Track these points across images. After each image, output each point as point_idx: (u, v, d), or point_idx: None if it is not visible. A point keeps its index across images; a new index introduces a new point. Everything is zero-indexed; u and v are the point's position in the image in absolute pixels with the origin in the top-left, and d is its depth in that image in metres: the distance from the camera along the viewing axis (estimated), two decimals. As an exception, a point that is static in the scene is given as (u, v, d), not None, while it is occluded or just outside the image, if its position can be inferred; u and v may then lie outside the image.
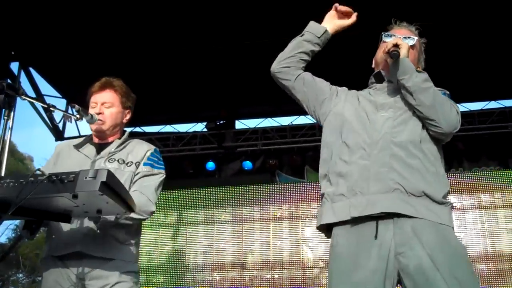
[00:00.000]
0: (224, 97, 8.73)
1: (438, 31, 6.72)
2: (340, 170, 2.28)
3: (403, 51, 2.32)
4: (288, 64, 2.53)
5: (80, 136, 4.75)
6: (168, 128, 9.86)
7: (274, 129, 9.14)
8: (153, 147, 3.10)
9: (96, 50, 7.45)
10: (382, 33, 2.59)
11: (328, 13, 2.61)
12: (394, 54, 2.37)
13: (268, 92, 8.39)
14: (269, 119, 9.52)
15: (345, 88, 2.62)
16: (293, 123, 9.13)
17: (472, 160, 8.42)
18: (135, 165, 2.92)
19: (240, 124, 9.67)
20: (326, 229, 2.34)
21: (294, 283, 7.74)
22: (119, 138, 3.04)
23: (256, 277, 7.89)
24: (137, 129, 9.88)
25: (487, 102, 8.98)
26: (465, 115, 8.49)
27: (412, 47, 2.48)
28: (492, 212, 7.71)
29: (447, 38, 7.02)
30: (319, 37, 2.54)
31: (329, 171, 2.35)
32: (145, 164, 2.95)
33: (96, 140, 3.05)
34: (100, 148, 3.00)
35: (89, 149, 3.00)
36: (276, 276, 7.86)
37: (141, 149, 3.02)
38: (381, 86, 2.52)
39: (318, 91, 2.56)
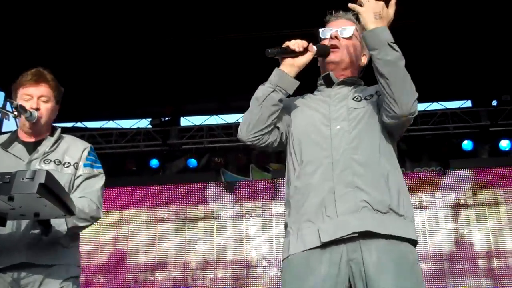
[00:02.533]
0: (169, 93, 8.60)
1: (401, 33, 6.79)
2: (302, 195, 2.20)
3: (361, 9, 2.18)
4: (264, 132, 2.29)
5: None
6: (111, 124, 9.67)
7: (220, 127, 9.08)
8: (88, 145, 2.96)
9: (37, 41, 7.20)
10: (319, 29, 2.49)
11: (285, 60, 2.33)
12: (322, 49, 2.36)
13: (214, 88, 8.38)
14: (215, 116, 9.46)
15: (294, 99, 2.50)
16: (239, 121, 9.06)
17: (414, 160, 8.59)
18: (74, 166, 2.80)
19: (185, 121, 9.58)
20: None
21: (237, 283, 7.70)
22: (51, 135, 2.87)
23: (199, 276, 7.81)
24: (79, 125, 9.64)
25: (429, 103, 9.16)
26: (408, 116, 8.64)
27: (349, 38, 2.42)
28: (432, 212, 7.86)
29: (394, 38, 7.10)
30: (290, 94, 2.35)
31: (290, 196, 2.27)
32: (85, 165, 2.84)
33: (24, 137, 2.85)
34: (30, 147, 2.81)
35: (19, 149, 2.80)
36: (220, 275, 7.79)
37: (76, 148, 2.89)
38: (331, 91, 2.42)
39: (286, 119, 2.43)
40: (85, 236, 8.03)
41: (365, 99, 2.34)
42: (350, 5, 2.19)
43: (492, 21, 7.06)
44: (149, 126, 9.30)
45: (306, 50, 2.31)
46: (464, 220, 7.76)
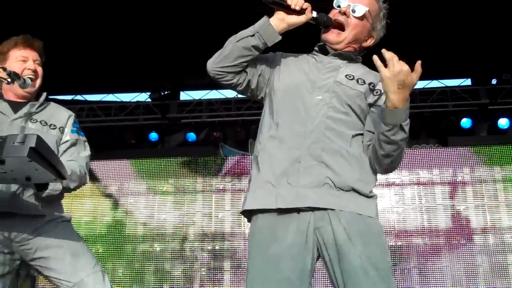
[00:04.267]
0: (169, 67, 8.57)
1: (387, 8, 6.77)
2: (269, 156, 2.19)
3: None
4: (228, 70, 2.24)
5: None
6: (110, 97, 9.66)
7: (219, 101, 9.08)
8: (72, 113, 3.02)
9: (37, 13, 7.15)
10: None
11: (278, 12, 2.24)
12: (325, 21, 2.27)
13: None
14: (214, 91, 9.45)
15: (288, 55, 2.44)
16: (239, 96, 9.07)
17: (412, 137, 8.60)
18: (59, 130, 2.87)
19: (185, 96, 9.57)
20: (250, 214, 2.24)
21: (234, 255, 7.76)
22: (36, 100, 2.91)
23: (197, 248, 7.88)
24: (78, 97, 9.62)
25: (429, 81, 9.16)
26: (407, 93, 8.65)
27: (360, 18, 2.31)
28: (430, 188, 7.91)
29: (394, 15, 7.07)
30: (268, 45, 2.25)
31: (258, 153, 2.25)
32: (72, 131, 2.92)
33: (10, 97, 2.87)
34: (14, 106, 2.84)
35: (4, 106, 2.82)
36: (217, 247, 7.86)
37: (61, 114, 2.95)
38: (325, 58, 2.35)
39: (264, 70, 2.37)
40: (84, 207, 8.09)
41: (357, 81, 2.27)
42: (376, 59, 2.02)
43: (494, 1, 7.02)
44: (149, 99, 9.30)
45: (303, 11, 2.21)
46: (461, 197, 7.81)
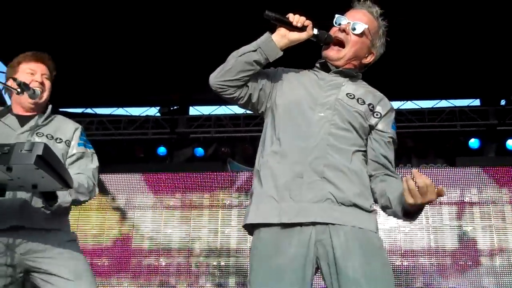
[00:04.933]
0: (179, 82, 8.64)
1: (395, 29, 6.81)
2: (272, 171, 2.22)
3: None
4: (230, 84, 2.28)
5: None
6: (120, 111, 9.73)
7: (227, 117, 9.13)
8: (79, 126, 3.04)
9: (49, 27, 7.24)
10: (336, 14, 2.43)
11: (280, 28, 2.29)
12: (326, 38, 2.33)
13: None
14: (223, 106, 9.50)
15: (289, 70, 2.49)
16: (247, 112, 9.08)
17: (420, 156, 8.61)
18: (65, 143, 2.88)
19: (194, 111, 9.64)
20: (252, 228, 2.27)
21: (240, 271, 7.75)
22: (43, 113, 2.92)
23: (203, 263, 7.88)
24: (89, 111, 9.70)
25: (438, 100, 9.17)
26: (416, 113, 8.69)
27: (360, 35, 2.36)
28: (437, 208, 7.88)
29: (403, 36, 7.11)
30: (270, 61, 2.30)
31: (260, 168, 2.28)
32: (79, 144, 2.93)
33: (18, 111, 2.90)
34: (22, 120, 2.87)
35: (11, 120, 2.85)
36: (223, 263, 7.85)
37: (68, 127, 2.97)
38: (327, 76, 2.40)
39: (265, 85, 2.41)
40: (92, 219, 8.12)
41: (357, 101, 2.32)
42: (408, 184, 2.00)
43: (504, 22, 7.04)
44: (158, 114, 9.36)
45: (305, 28, 2.26)
46: (468, 217, 7.78)
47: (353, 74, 2.41)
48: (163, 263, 7.92)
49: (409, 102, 9.15)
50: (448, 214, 7.83)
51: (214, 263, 7.85)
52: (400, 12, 6.71)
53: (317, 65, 2.47)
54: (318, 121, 2.24)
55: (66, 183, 2.31)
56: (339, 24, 2.39)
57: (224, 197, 8.28)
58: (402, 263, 7.45)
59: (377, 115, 2.32)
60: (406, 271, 7.46)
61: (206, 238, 8.06)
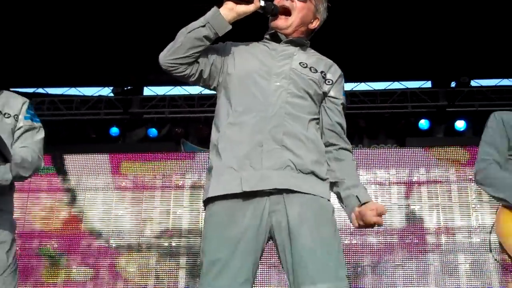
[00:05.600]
0: (133, 62, 8.52)
1: (347, 10, 6.85)
2: (231, 142, 2.25)
3: None
4: (181, 62, 2.29)
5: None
6: (73, 91, 9.58)
7: (182, 97, 9.07)
8: (27, 100, 3.00)
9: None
10: None
11: (227, 2, 2.34)
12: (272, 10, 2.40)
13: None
14: (178, 87, 9.44)
15: (238, 44, 2.52)
16: (203, 93, 9.06)
17: (371, 137, 8.73)
18: (14, 118, 2.85)
19: (148, 91, 9.54)
20: (210, 201, 2.29)
21: (191, 251, 7.77)
22: None
23: (154, 244, 7.86)
24: (40, 90, 9.52)
25: (390, 82, 9.27)
26: (368, 94, 8.79)
27: (303, 1, 2.44)
28: (386, 188, 8.01)
29: (356, 18, 7.16)
30: (219, 35, 2.34)
31: (218, 141, 2.30)
32: (25, 118, 2.89)
33: None
34: None
35: None
36: (174, 244, 7.86)
37: (16, 101, 2.93)
38: (278, 46, 2.45)
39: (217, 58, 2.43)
40: (41, 200, 8.01)
41: (310, 69, 2.39)
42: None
43: (454, 5, 7.13)
44: (111, 94, 9.24)
45: (251, 0, 2.32)
46: (416, 196, 7.93)
47: (304, 43, 2.50)
48: (114, 245, 7.88)
49: (362, 83, 9.23)
50: (397, 194, 7.96)
51: (165, 244, 7.85)
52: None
53: (267, 36, 2.53)
54: (274, 91, 2.29)
55: (4, 157, 2.27)
56: None
57: (176, 178, 8.25)
58: (351, 242, 7.56)
59: (329, 82, 2.41)
60: (355, 249, 7.58)
61: (157, 219, 8.04)
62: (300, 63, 2.39)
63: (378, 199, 7.90)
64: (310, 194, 2.19)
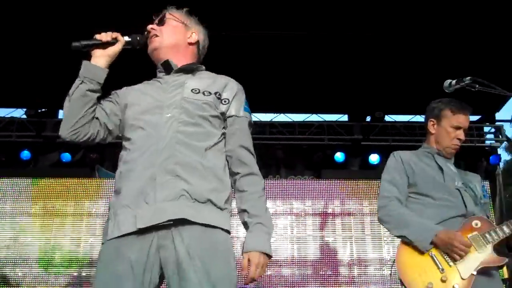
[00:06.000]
0: (48, 84, 8.23)
1: (268, 42, 6.96)
2: (125, 180, 2.20)
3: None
4: (80, 125, 2.30)
5: None
6: (-15, 112, 9.14)
7: (98, 122, 8.82)
8: None
9: None
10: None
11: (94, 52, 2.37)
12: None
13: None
14: (95, 111, 9.19)
15: (132, 87, 2.52)
16: (120, 117, 8.85)
17: (289, 168, 8.81)
18: None
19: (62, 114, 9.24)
20: None
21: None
22: None
23: (63, 274, 7.55)
24: None
25: (309, 114, 9.44)
26: (287, 125, 8.90)
27: (163, 23, 2.49)
28: (302, 219, 8.10)
29: (277, 50, 7.27)
30: (101, 83, 2.35)
31: (116, 181, 2.28)
32: None
33: None
34: None
35: None
36: (84, 274, 7.58)
37: None
38: (169, 78, 2.43)
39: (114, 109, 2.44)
40: None
41: (203, 94, 2.36)
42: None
43: (372, 45, 7.38)
44: (24, 116, 8.89)
45: (116, 40, 2.37)
46: (331, 228, 8.06)
47: (193, 68, 2.47)
48: (19, 274, 7.50)
49: (281, 114, 9.35)
50: (312, 225, 8.07)
51: (75, 274, 7.56)
52: (274, 27, 6.86)
53: (159, 69, 2.50)
54: (165, 123, 2.25)
55: None
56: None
57: (89, 205, 8.00)
58: (265, 273, 7.55)
59: (225, 101, 2.37)
60: (269, 280, 7.59)
61: (68, 247, 7.73)
62: (192, 89, 2.36)
63: (294, 230, 7.97)
64: (205, 225, 2.12)
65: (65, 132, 2.33)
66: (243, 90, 2.47)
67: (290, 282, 7.62)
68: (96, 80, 2.31)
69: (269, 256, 2.23)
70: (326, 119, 9.36)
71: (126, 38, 2.40)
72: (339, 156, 8.66)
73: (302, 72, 7.92)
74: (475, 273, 2.82)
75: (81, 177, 8.25)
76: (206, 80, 2.44)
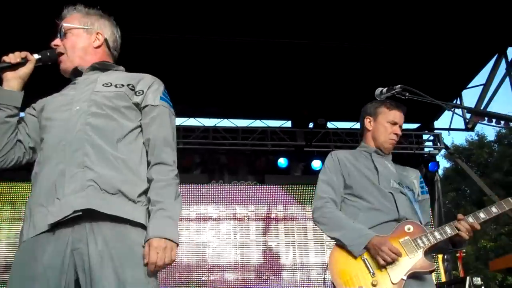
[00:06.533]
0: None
1: (213, 47, 6.95)
2: (38, 179, 2.13)
3: None
4: (4, 152, 2.23)
5: None
6: None
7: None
8: None
9: None
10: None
11: (5, 75, 2.27)
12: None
13: (53, 86, 7.81)
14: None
15: (48, 97, 2.41)
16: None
17: (232, 173, 8.79)
18: None
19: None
20: None
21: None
22: None
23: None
24: None
25: (253, 120, 9.47)
26: (230, 130, 8.89)
27: (66, 37, 2.38)
28: (245, 224, 8.09)
29: (222, 55, 7.27)
30: (18, 106, 2.26)
31: (32, 181, 2.19)
32: None
33: None
34: None
35: None
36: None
37: None
38: (81, 78, 2.35)
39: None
40: None
41: (115, 86, 2.28)
42: None
43: (317, 54, 7.49)
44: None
45: (25, 60, 2.28)
46: (274, 233, 8.08)
47: (107, 66, 2.41)
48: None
49: (225, 120, 9.34)
50: (255, 230, 8.07)
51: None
52: (221, 33, 6.86)
53: (72, 77, 2.41)
54: (73, 116, 2.18)
55: None
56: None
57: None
58: (208, 278, 7.50)
59: (139, 93, 2.28)
60: (213, 285, 7.53)
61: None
62: (104, 84, 2.29)
63: (237, 234, 7.95)
64: (118, 219, 2.01)
65: None
66: (160, 83, 2.38)
67: (232, 285, 7.57)
68: (12, 105, 2.24)
69: (173, 242, 2.05)
70: (270, 125, 9.42)
71: (36, 56, 2.32)
72: (282, 161, 8.70)
73: (247, 78, 7.96)
74: (405, 278, 2.82)
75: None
76: (121, 75, 2.38)
